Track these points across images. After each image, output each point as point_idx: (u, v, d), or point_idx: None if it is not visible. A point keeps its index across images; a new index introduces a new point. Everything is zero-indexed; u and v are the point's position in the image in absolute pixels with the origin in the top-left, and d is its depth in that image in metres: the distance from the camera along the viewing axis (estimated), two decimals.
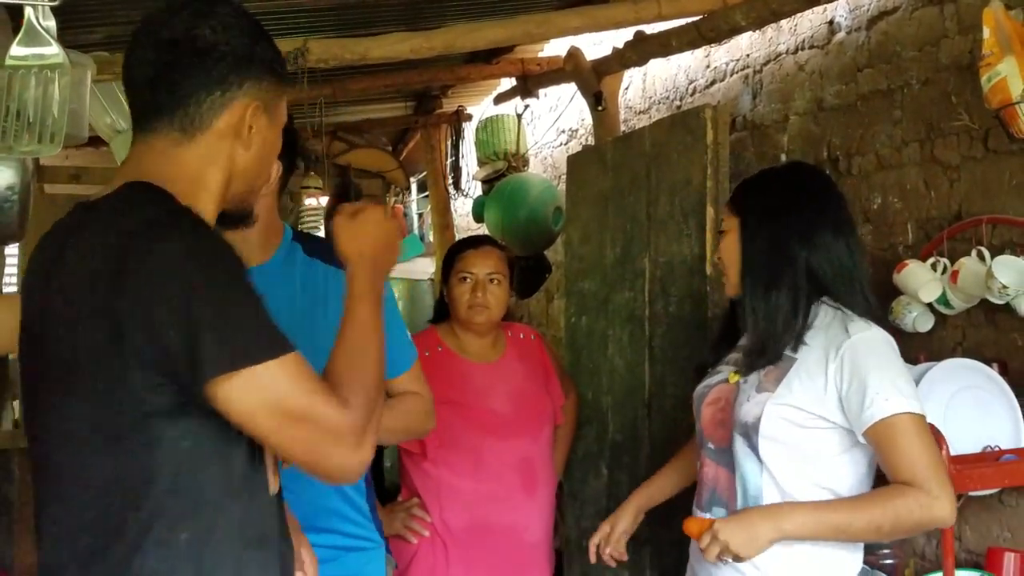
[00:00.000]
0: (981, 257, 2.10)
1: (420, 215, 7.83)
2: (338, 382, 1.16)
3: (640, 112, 4.08)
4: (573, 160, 3.59)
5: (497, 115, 4.82)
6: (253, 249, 1.67)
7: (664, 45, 3.17)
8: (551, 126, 4.98)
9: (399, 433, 1.99)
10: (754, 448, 1.70)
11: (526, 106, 4.63)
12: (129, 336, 1.06)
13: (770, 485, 1.69)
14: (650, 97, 4.01)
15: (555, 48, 4.26)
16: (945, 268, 2.19)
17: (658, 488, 2.04)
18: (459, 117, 5.44)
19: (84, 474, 1.11)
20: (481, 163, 4.90)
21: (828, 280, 1.72)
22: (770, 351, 1.71)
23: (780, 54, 3.02)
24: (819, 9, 2.71)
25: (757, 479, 1.70)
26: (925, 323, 2.26)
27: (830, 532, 1.62)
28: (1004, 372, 2.08)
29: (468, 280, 2.49)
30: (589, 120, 4.13)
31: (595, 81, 3.71)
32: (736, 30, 2.86)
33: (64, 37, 1.56)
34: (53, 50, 1.41)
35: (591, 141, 4.17)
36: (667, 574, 2.67)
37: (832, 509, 1.63)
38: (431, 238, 6.07)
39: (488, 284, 2.48)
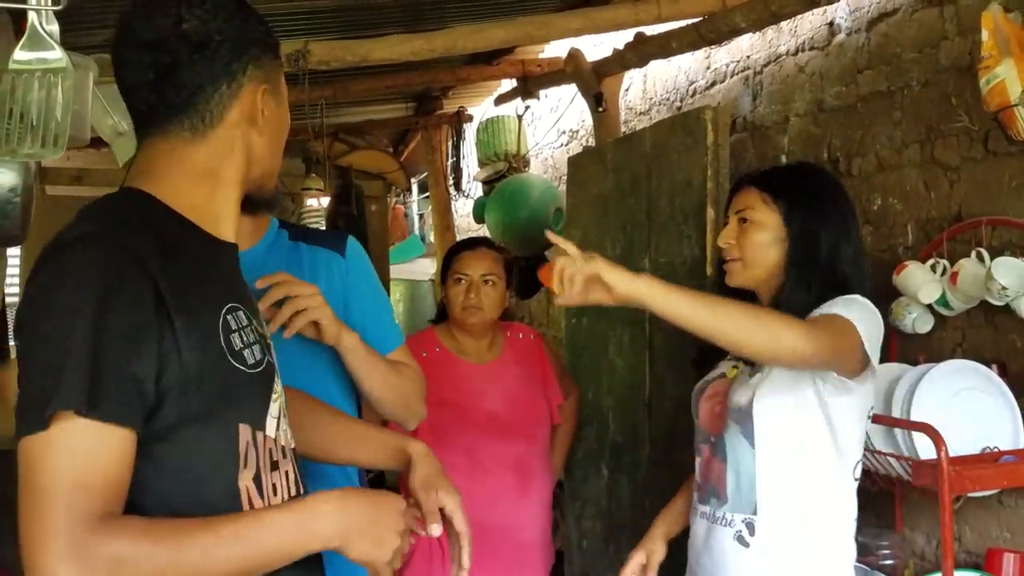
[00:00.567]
0: (981, 258, 2.10)
1: (421, 216, 7.84)
2: (161, 530, 0.99)
3: (641, 113, 4.08)
4: (574, 161, 3.60)
5: (498, 116, 4.83)
6: (242, 236, 1.68)
7: (664, 47, 3.18)
8: (552, 127, 4.99)
9: (398, 403, 1.80)
10: (748, 434, 1.72)
11: (527, 107, 4.64)
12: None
13: (764, 472, 1.71)
14: (651, 98, 4.01)
15: (556, 49, 4.27)
16: (945, 269, 2.19)
17: (680, 514, 1.98)
18: (460, 118, 5.45)
19: None
20: (482, 164, 4.91)
21: (850, 276, 1.76)
22: None
23: (780, 55, 3.03)
24: (819, 11, 2.71)
25: (751, 467, 1.72)
26: (925, 324, 2.26)
27: (691, 302, 1.51)
28: (1003, 373, 2.09)
29: (463, 281, 2.52)
30: (590, 121, 4.13)
31: (596, 82, 3.72)
32: (736, 32, 2.87)
33: (65, 39, 1.56)
34: (56, 54, 1.41)
35: (591, 142, 4.18)
36: None
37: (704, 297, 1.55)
38: (432, 239, 6.08)
39: (482, 285, 2.51)
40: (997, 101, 1.87)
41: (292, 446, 1.23)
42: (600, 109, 3.73)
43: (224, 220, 1.19)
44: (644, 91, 4.07)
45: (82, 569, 0.93)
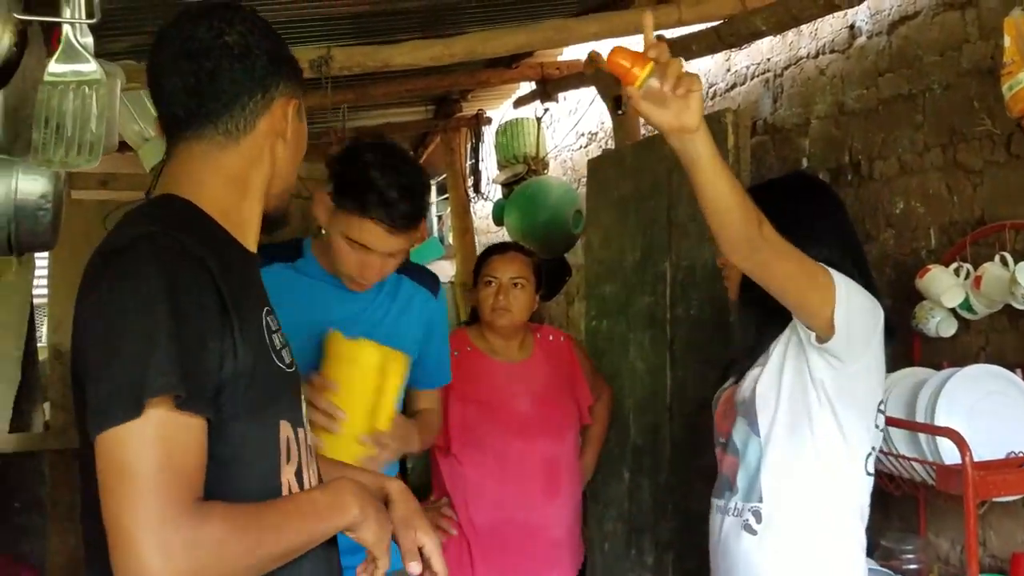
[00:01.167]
0: (1004, 262, 2.10)
1: (439, 218, 7.86)
2: (242, 512, 1.04)
3: None
4: (593, 164, 3.61)
5: (517, 119, 4.83)
6: None
7: (684, 49, 3.17)
8: (571, 129, 4.99)
9: (421, 447, 2.14)
10: (753, 424, 1.75)
11: (546, 110, 4.64)
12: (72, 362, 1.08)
13: (769, 460, 1.73)
14: None
15: (575, 52, 4.26)
16: (968, 273, 2.19)
17: None
18: (479, 121, 5.46)
19: (85, 485, 1.11)
20: (501, 166, 4.91)
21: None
22: (766, 343, 1.78)
23: (801, 58, 3.03)
24: (840, 14, 2.71)
25: (757, 456, 1.75)
26: (948, 328, 2.26)
27: (722, 184, 1.54)
28: None
29: (492, 284, 2.58)
30: (609, 124, 4.14)
31: (615, 85, 3.71)
32: (756, 35, 2.87)
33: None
34: (91, 67, 1.44)
35: (611, 145, 4.18)
36: None
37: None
38: (451, 241, 6.09)
39: (511, 288, 2.57)
40: (1020, 107, 1.87)
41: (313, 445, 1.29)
42: (620, 112, 3.73)
43: (249, 229, 1.24)
44: None
45: (187, 554, 0.96)
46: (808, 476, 1.73)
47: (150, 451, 0.98)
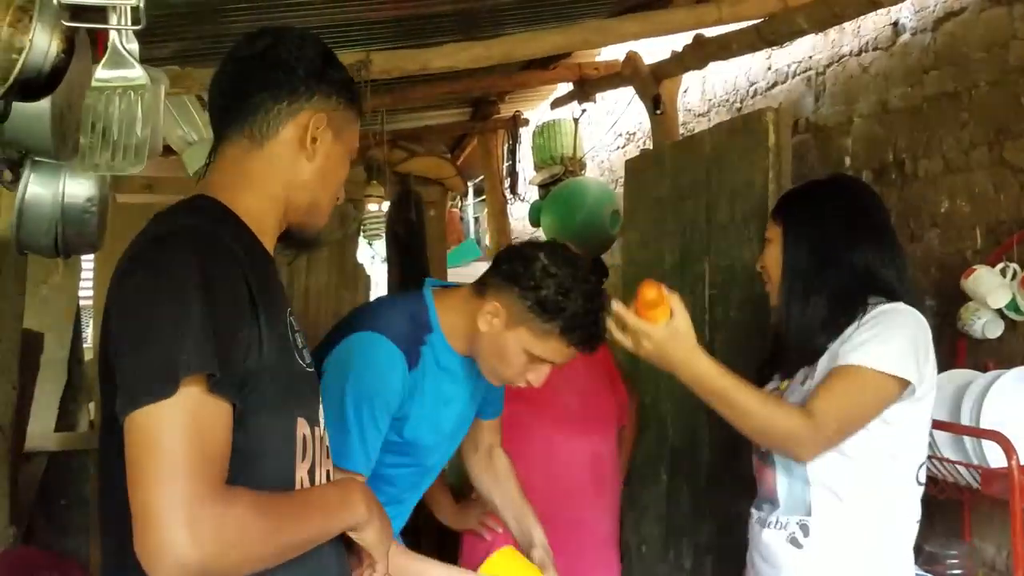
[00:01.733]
0: None
1: (476, 219, 7.88)
2: (264, 499, 1.06)
3: (699, 115, 4.06)
4: (631, 164, 3.60)
5: (554, 120, 4.83)
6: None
7: (724, 48, 3.16)
8: (608, 130, 4.98)
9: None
10: None
11: (583, 110, 4.64)
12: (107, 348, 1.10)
13: (817, 473, 1.70)
14: (710, 100, 3.99)
15: (612, 52, 4.25)
16: (1015, 273, 2.15)
17: None
18: (516, 122, 5.46)
19: (106, 472, 1.14)
20: (538, 168, 4.92)
21: (877, 277, 1.75)
22: (808, 353, 1.75)
23: (843, 56, 2.99)
24: (883, 11, 2.67)
25: (803, 469, 1.71)
26: (994, 329, 2.22)
27: (713, 395, 1.70)
28: None
29: None
30: (646, 124, 4.12)
31: (654, 85, 3.70)
32: (798, 33, 2.84)
33: None
34: (137, 72, 1.47)
35: (648, 145, 4.17)
36: None
37: (734, 383, 1.68)
38: (488, 242, 6.11)
39: None
40: None
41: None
42: (658, 111, 3.71)
43: (264, 235, 1.26)
44: (703, 93, 4.04)
45: (213, 533, 0.97)
46: (859, 490, 1.69)
47: (183, 430, 0.99)
